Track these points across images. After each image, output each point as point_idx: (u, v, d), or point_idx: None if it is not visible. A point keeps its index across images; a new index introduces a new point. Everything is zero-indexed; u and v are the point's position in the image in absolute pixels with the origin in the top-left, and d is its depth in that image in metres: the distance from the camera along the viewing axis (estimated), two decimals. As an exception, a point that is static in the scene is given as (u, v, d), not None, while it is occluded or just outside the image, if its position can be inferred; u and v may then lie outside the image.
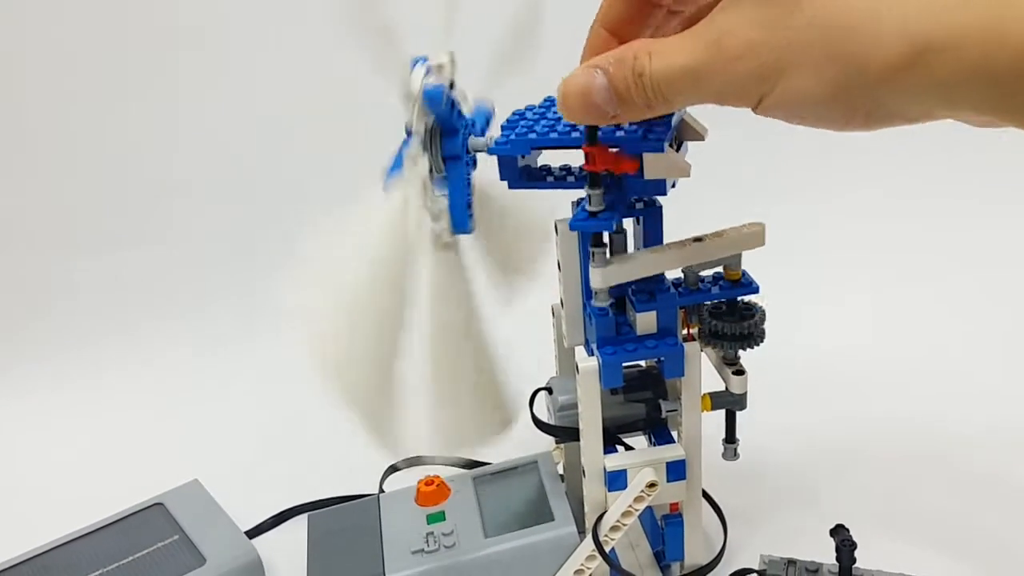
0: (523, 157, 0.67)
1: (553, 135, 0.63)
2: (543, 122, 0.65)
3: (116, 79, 1.14)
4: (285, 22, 1.13)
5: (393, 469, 0.88)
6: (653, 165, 0.62)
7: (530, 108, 0.69)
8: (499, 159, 0.66)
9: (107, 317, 1.16)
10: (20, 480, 1.00)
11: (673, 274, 0.69)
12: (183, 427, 1.04)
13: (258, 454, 0.98)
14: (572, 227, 0.64)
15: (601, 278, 0.65)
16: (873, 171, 1.23)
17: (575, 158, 0.67)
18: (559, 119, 0.65)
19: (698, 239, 0.66)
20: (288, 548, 0.83)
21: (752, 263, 0.68)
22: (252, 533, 0.85)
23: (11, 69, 1.13)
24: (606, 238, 0.66)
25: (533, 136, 0.63)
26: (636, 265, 0.65)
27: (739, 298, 0.69)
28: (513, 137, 0.64)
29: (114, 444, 1.03)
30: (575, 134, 0.63)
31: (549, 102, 0.69)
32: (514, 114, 0.68)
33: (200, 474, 0.89)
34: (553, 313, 0.77)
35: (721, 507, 0.80)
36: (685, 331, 0.70)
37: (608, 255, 0.66)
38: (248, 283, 1.16)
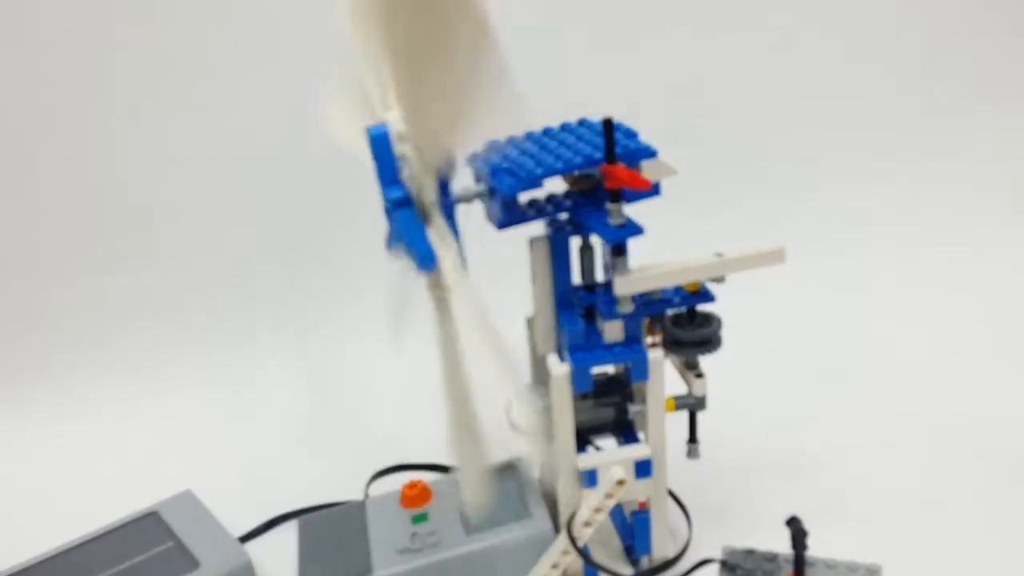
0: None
1: (559, 164, 0.69)
2: (532, 156, 0.70)
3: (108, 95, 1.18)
4: (277, 43, 1.17)
5: (377, 475, 0.93)
6: (650, 170, 0.69)
7: (497, 145, 0.73)
8: (503, 202, 0.71)
9: (99, 336, 1.18)
10: (11, 495, 1.03)
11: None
12: (173, 441, 1.08)
13: (247, 466, 1.02)
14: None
15: (626, 285, 0.70)
16: (828, 177, 1.31)
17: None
18: (547, 149, 0.71)
19: (719, 254, 0.71)
20: (278, 552, 0.87)
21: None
22: (243, 539, 0.89)
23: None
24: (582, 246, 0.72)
25: (540, 171, 0.68)
26: (662, 276, 0.71)
27: (698, 307, 0.75)
28: (523, 175, 0.68)
29: (106, 459, 1.06)
30: (578, 159, 0.69)
31: (512, 140, 0.74)
32: (491, 158, 0.71)
33: (191, 486, 0.93)
34: (527, 325, 0.82)
35: (685, 505, 0.86)
36: (650, 339, 0.76)
37: (627, 265, 0.70)
38: (237, 303, 1.21)
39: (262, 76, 1.17)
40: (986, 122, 1.33)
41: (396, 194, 0.64)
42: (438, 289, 0.66)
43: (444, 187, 0.66)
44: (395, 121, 0.63)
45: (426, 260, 0.64)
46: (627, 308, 0.71)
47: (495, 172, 0.70)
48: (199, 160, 1.20)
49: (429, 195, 0.64)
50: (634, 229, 0.68)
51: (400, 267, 0.67)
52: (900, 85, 1.31)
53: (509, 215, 0.72)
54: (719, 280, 0.72)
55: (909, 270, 1.23)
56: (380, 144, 0.63)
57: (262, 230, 1.22)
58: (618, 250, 0.70)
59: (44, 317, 1.19)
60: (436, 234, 0.65)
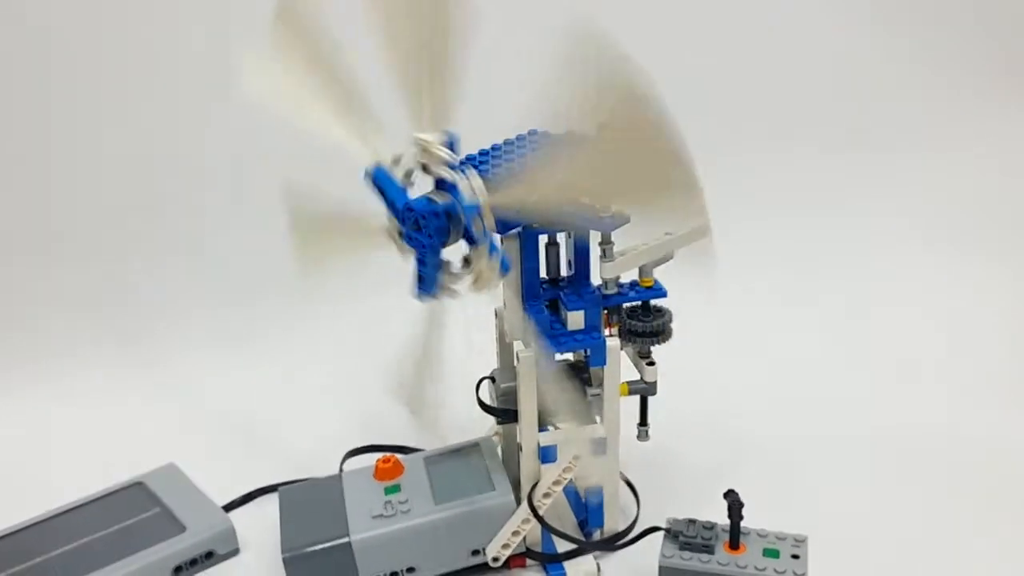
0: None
1: None
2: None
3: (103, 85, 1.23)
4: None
5: (350, 454, 1.00)
6: None
7: (473, 158, 0.77)
8: None
9: (84, 323, 1.23)
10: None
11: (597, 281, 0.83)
12: (155, 424, 1.12)
13: (226, 444, 1.07)
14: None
15: (611, 269, 0.79)
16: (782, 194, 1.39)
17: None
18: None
19: (668, 233, 0.80)
20: (257, 521, 0.93)
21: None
22: (225, 509, 0.94)
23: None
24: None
25: None
26: (633, 258, 0.79)
27: (651, 301, 0.83)
28: None
29: (90, 436, 1.11)
30: None
31: (485, 152, 0.79)
32: (483, 170, 0.76)
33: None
34: (496, 315, 0.89)
35: (634, 483, 0.93)
36: (608, 330, 0.84)
37: (613, 252, 0.79)
38: (220, 286, 1.26)
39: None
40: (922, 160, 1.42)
41: (421, 203, 0.72)
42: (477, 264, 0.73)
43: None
44: (387, 154, 0.71)
45: (470, 208, 0.71)
46: (613, 290, 0.80)
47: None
48: (188, 159, 1.25)
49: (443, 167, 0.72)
50: (623, 218, 0.75)
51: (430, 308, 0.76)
52: (852, 118, 1.41)
53: (511, 222, 0.76)
54: (669, 257, 0.80)
55: (863, 285, 1.31)
56: (382, 178, 0.71)
57: (253, 218, 1.23)
58: (606, 238, 0.78)
59: (27, 305, 1.22)
60: (467, 185, 0.71)
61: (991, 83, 1.43)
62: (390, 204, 0.73)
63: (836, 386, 1.11)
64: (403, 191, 0.73)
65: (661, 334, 0.83)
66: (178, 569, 0.86)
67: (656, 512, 0.88)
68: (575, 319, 0.81)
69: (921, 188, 1.41)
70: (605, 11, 1.23)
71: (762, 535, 0.81)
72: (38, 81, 1.21)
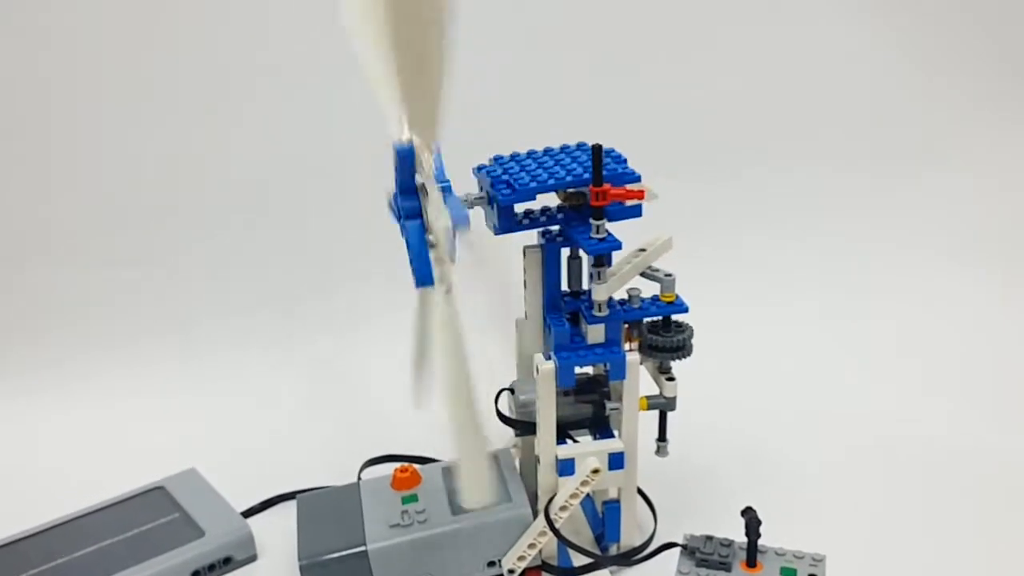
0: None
1: (552, 181, 0.76)
2: (528, 172, 0.77)
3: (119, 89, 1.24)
4: (292, 38, 1.23)
5: (368, 463, 1.00)
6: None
7: (500, 160, 0.81)
8: (501, 209, 0.78)
9: (108, 327, 1.24)
10: (21, 474, 1.07)
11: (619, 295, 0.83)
12: (176, 429, 1.13)
13: (246, 451, 1.07)
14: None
15: (604, 291, 0.78)
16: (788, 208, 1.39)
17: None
18: (544, 166, 0.78)
19: (641, 249, 0.81)
20: (276, 528, 0.93)
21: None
22: (243, 515, 0.94)
23: (14, 78, 1.21)
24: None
25: (535, 185, 0.76)
26: (619, 277, 0.79)
27: (673, 316, 0.83)
28: (518, 188, 0.76)
29: (111, 440, 1.12)
30: (568, 177, 0.76)
31: (514, 156, 0.82)
32: (494, 170, 0.79)
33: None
34: (517, 326, 0.89)
35: (652, 500, 0.93)
36: (628, 344, 0.84)
37: (607, 275, 0.78)
38: (243, 293, 1.27)
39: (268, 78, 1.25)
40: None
41: (410, 204, 0.72)
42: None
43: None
44: (415, 138, 0.71)
45: (425, 279, 0.70)
46: (604, 312, 0.79)
47: (495, 183, 0.78)
48: (199, 157, 1.27)
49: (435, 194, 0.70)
50: (613, 243, 0.76)
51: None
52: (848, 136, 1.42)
53: (506, 223, 0.80)
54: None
55: (878, 296, 1.32)
56: (406, 160, 0.70)
57: (264, 220, 1.28)
58: (599, 261, 0.77)
59: (55, 308, 1.24)
60: (437, 256, 0.71)
61: (994, 94, 1.43)
62: (397, 182, 0.72)
63: (854, 402, 1.10)
64: (414, 185, 0.72)
65: (681, 349, 0.82)
66: (196, 574, 0.87)
67: (673, 528, 0.88)
68: (595, 332, 0.81)
69: (924, 202, 1.41)
70: (610, 23, 1.28)
71: (780, 553, 0.81)
72: (52, 83, 1.23)
